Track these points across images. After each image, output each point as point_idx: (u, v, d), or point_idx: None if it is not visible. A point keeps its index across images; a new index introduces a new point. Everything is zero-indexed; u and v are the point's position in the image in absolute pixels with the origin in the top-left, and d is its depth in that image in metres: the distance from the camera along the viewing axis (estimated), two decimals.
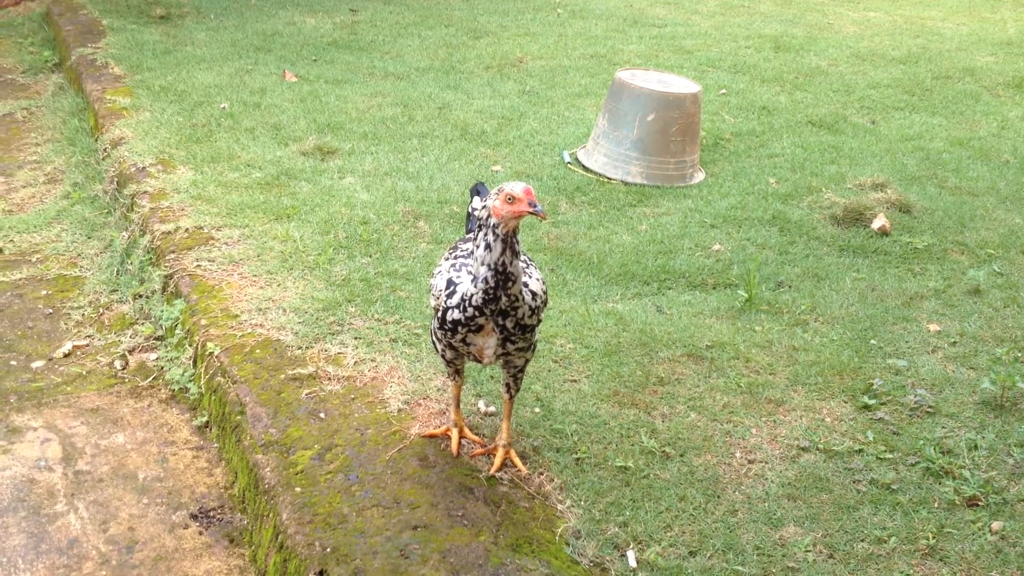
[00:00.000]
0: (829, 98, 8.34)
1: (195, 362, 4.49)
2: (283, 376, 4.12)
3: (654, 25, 10.64)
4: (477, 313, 3.17)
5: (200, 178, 5.99)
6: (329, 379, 4.10)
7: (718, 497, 3.58)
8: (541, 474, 3.61)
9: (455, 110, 7.51)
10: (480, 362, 3.38)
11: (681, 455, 3.78)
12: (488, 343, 3.27)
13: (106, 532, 3.64)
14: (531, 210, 3.02)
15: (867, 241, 5.71)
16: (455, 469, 3.59)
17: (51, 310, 5.12)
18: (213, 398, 4.23)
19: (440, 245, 5.33)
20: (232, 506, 3.80)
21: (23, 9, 10.72)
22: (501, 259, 3.08)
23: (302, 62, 8.60)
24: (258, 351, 4.30)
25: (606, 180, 6.46)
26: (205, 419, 4.26)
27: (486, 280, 3.11)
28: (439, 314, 3.29)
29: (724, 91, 8.30)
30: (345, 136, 6.87)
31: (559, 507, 3.46)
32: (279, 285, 4.82)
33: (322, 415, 3.88)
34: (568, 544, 3.30)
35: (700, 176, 6.64)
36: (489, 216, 3.08)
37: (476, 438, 3.74)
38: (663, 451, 3.78)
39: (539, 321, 3.31)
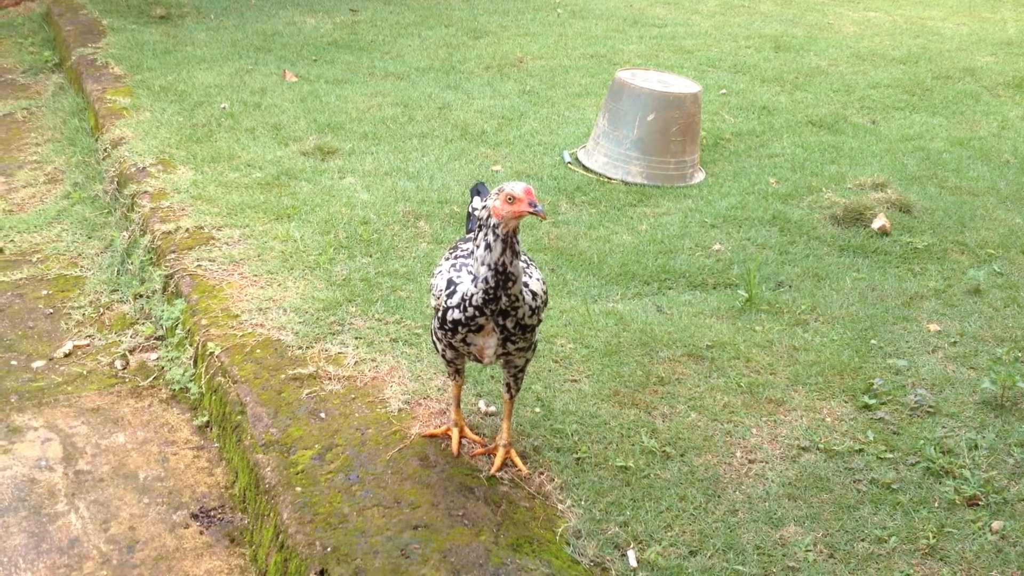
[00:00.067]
0: (829, 98, 8.34)
1: (196, 362, 4.49)
2: (284, 376, 4.12)
3: (654, 25, 10.64)
4: (477, 313, 3.17)
5: (200, 178, 5.99)
6: (330, 379, 4.10)
7: (718, 497, 3.58)
8: (542, 474, 3.61)
9: (455, 110, 7.51)
10: (480, 362, 3.38)
11: (681, 455, 3.78)
12: (488, 343, 3.27)
13: (107, 532, 3.64)
14: (531, 210, 3.02)
15: (867, 241, 5.72)
16: (455, 469, 3.59)
17: (52, 310, 5.12)
18: (214, 398, 4.23)
19: (440, 245, 5.33)
20: (233, 506, 3.80)
21: (23, 9, 10.72)
22: (501, 259, 3.08)
23: (302, 62, 8.60)
24: (259, 351, 4.30)
25: (606, 180, 6.46)
26: (206, 419, 4.27)
27: (486, 280, 3.11)
28: (439, 314, 3.29)
29: (724, 91, 8.30)
30: (345, 136, 6.87)
31: (560, 507, 3.46)
32: (279, 285, 4.82)
33: (323, 415, 3.88)
34: (569, 544, 3.31)
35: (700, 176, 6.65)
36: (489, 216, 3.08)
37: (476, 438, 3.74)
38: (663, 451, 3.78)
39: (539, 321, 3.31)
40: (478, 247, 3.13)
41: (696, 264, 5.35)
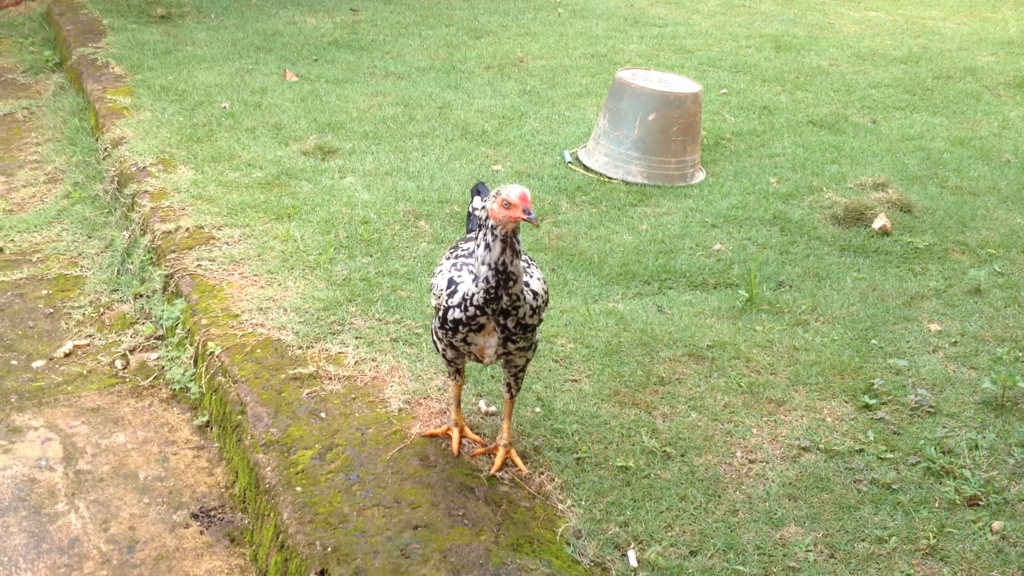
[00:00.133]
0: (830, 98, 8.34)
1: (196, 362, 4.49)
2: (284, 376, 4.12)
3: (655, 25, 10.64)
4: (478, 313, 3.17)
5: (201, 178, 5.99)
6: (330, 379, 4.10)
7: (719, 497, 3.57)
8: (542, 474, 3.61)
9: (456, 110, 7.51)
10: (481, 362, 3.38)
11: (682, 455, 3.78)
12: (489, 343, 3.27)
13: (107, 531, 3.64)
14: (524, 217, 3.02)
15: (868, 241, 5.71)
16: (456, 469, 3.59)
17: (52, 309, 5.12)
18: (214, 398, 4.23)
19: (441, 245, 5.33)
20: (233, 506, 3.80)
21: (24, 9, 10.72)
22: (501, 258, 3.08)
23: (303, 62, 8.60)
24: (259, 351, 4.30)
25: (607, 180, 6.46)
26: (206, 419, 4.26)
27: (487, 280, 3.11)
28: (440, 313, 3.29)
29: (725, 91, 8.30)
30: (346, 136, 6.87)
31: (560, 507, 3.46)
32: (280, 285, 4.82)
33: (323, 415, 3.88)
34: (569, 544, 3.30)
35: (701, 176, 6.64)
36: (488, 217, 3.08)
37: (477, 438, 3.74)
38: (664, 451, 3.78)
39: (540, 320, 3.31)
40: (478, 247, 3.13)
41: (697, 264, 5.34)
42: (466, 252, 3.34)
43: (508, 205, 3.02)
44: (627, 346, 4.46)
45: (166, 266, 5.06)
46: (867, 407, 4.15)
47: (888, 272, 5.39)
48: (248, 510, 3.71)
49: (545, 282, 3.36)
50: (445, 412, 3.89)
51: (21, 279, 5.38)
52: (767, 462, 3.78)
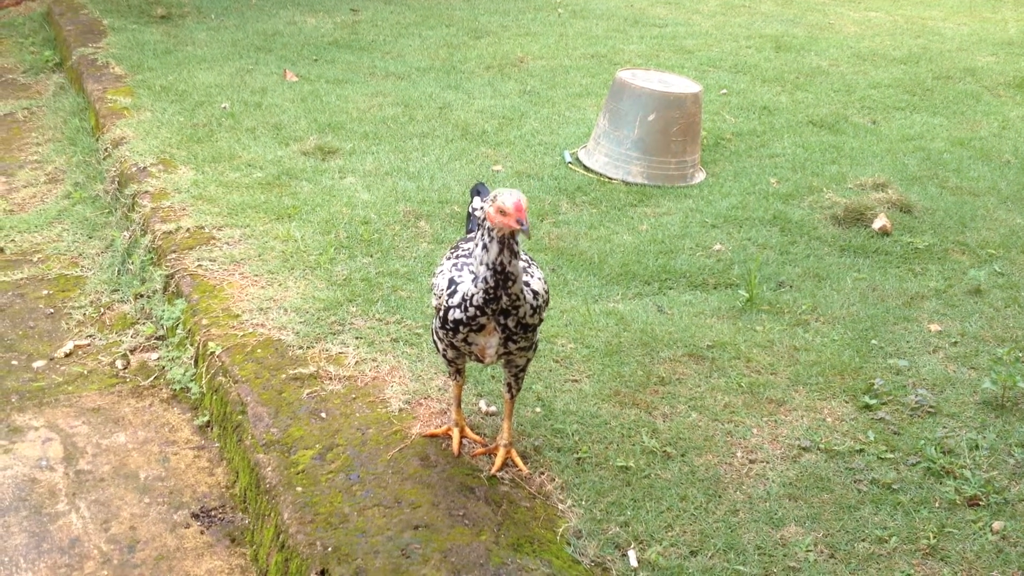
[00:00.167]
0: (830, 98, 8.34)
1: (196, 362, 4.49)
2: (284, 376, 4.12)
3: (655, 25, 10.64)
4: (478, 313, 3.17)
5: (201, 178, 5.99)
6: (330, 379, 4.10)
7: (719, 497, 3.58)
8: (542, 474, 3.61)
9: (456, 110, 7.51)
10: (482, 362, 3.38)
11: (682, 455, 3.78)
12: (490, 342, 3.27)
13: (108, 531, 3.64)
14: (518, 228, 3.01)
15: (868, 241, 5.71)
16: (456, 469, 3.59)
17: (52, 310, 5.13)
18: (214, 398, 4.23)
19: (441, 245, 5.33)
20: (233, 506, 3.80)
21: (24, 9, 10.72)
22: (499, 259, 3.08)
23: (303, 62, 8.60)
24: (259, 351, 4.30)
25: (607, 180, 6.46)
26: (206, 419, 4.27)
27: (485, 280, 3.12)
28: (441, 313, 3.29)
29: (725, 91, 8.30)
30: (346, 136, 6.87)
31: (560, 507, 3.46)
32: (280, 285, 4.82)
33: (323, 415, 3.88)
34: (569, 544, 3.31)
35: (701, 176, 6.65)
36: (485, 219, 3.09)
37: (477, 438, 3.74)
38: (664, 451, 3.78)
39: (541, 320, 3.31)
40: (477, 247, 3.14)
41: (697, 264, 5.35)
42: (466, 252, 3.34)
43: (503, 212, 3.01)
44: (627, 346, 4.47)
45: (167, 266, 5.07)
46: (867, 407, 4.15)
47: (888, 272, 5.40)
48: (249, 510, 3.71)
49: (545, 282, 3.36)
50: (445, 412, 3.90)
51: (22, 279, 5.38)
52: (767, 462, 3.78)
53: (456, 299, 3.22)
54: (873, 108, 8.16)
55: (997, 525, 3.50)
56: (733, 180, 6.54)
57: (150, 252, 5.32)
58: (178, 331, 4.70)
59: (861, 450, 3.87)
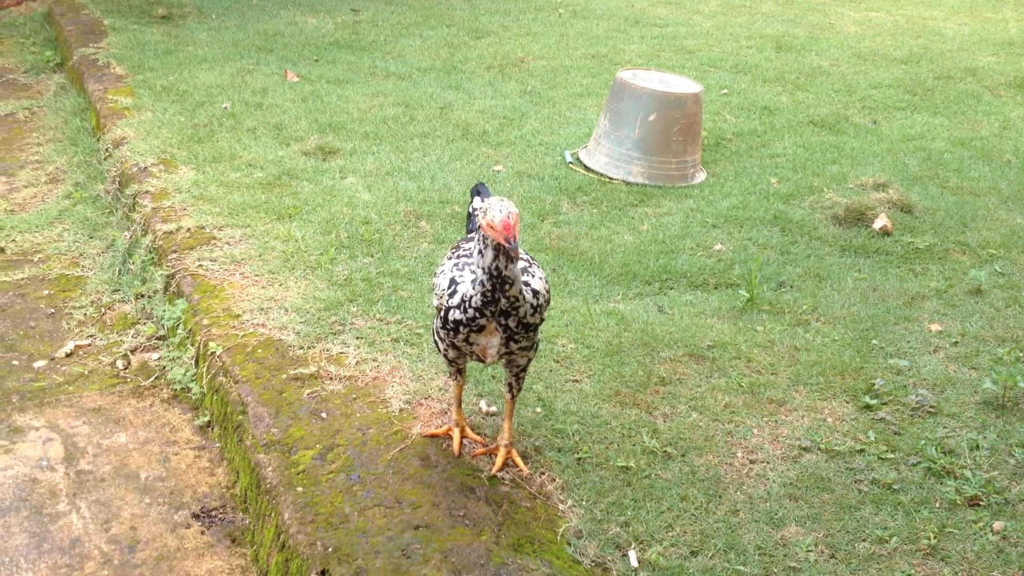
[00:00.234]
0: (831, 98, 8.34)
1: (197, 362, 4.49)
2: (285, 376, 4.12)
3: (655, 25, 10.64)
4: (477, 315, 3.17)
5: (202, 178, 5.99)
6: (331, 379, 4.11)
7: (720, 497, 3.58)
8: (543, 474, 3.61)
9: (456, 110, 7.51)
10: (483, 362, 3.38)
11: (683, 455, 3.78)
12: (491, 342, 3.27)
13: (108, 532, 3.64)
14: (505, 245, 2.99)
15: (869, 241, 5.71)
16: (457, 469, 3.59)
17: (53, 310, 5.13)
18: (215, 398, 4.23)
19: (442, 245, 5.33)
20: (234, 506, 3.81)
21: (25, 9, 10.73)
22: (494, 264, 3.08)
23: (304, 62, 8.61)
24: (260, 351, 4.30)
25: (608, 180, 6.46)
26: (207, 419, 4.27)
27: (483, 283, 3.12)
28: (442, 314, 3.29)
29: (725, 91, 8.30)
30: (347, 136, 6.88)
31: (561, 507, 3.46)
32: (281, 285, 4.82)
33: (324, 415, 3.88)
34: (570, 544, 3.31)
35: (701, 176, 6.65)
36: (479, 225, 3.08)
37: (478, 438, 3.74)
38: (665, 451, 3.78)
39: (542, 319, 3.31)
40: (475, 251, 3.15)
41: (697, 264, 5.35)
42: (467, 252, 3.34)
43: (492, 228, 3.00)
44: (628, 346, 4.47)
45: (167, 266, 5.07)
46: (868, 407, 4.15)
47: (889, 272, 5.40)
48: (249, 510, 3.71)
49: (546, 281, 3.36)
50: (446, 412, 3.90)
51: (22, 279, 5.38)
52: (768, 462, 3.78)
53: (456, 299, 3.22)
54: (874, 108, 8.16)
55: (998, 525, 3.50)
56: (734, 180, 6.54)
57: (151, 252, 5.32)
58: (179, 331, 4.70)
59: (862, 450, 3.87)
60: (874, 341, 4.66)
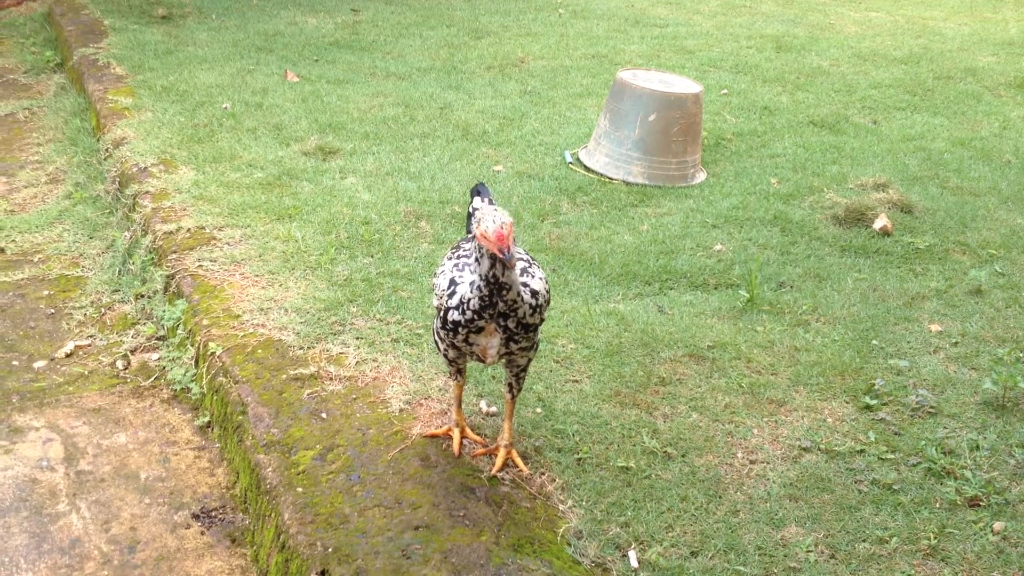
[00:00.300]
0: (831, 98, 8.34)
1: (197, 362, 4.49)
2: (285, 376, 4.12)
3: (656, 25, 10.64)
4: (476, 316, 3.17)
5: (202, 178, 5.99)
6: (331, 379, 4.11)
7: (720, 497, 3.58)
8: (543, 474, 3.61)
9: (457, 110, 7.51)
10: (483, 362, 3.38)
11: (683, 455, 3.78)
12: (491, 343, 3.27)
13: (108, 532, 3.64)
14: (499, 256, 2.98)
15: (869, 241, 5.71)
16: (457, 469, 3.59)
17: (53, 310, 5.13)
18: (215, 398, 4.23)
19: (442, 245, 5.33)
20: (234, 506, 3.80)
21: (25, 9, 10.73)
22: (491, 272, 3.08)
23: (304, 62, 8.61)
24: (260, 351, 4.30)
25: (607, 180, 6.46)
26: (207, 419, 4.27)
27: (480, 288, 3.12)
28: (441, 314, 3.29)
29: (726, 91, 8.30)
30: (347, 136, 6.88)
31: (561, 507, 3.46)
32: (281, 285, 4.82)
33: (324, 415, 3.88)
34: (570, 544, 3.31)
35: (702, 176, 6.64)
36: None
37: (478, 438, 3.74)
38: (665, 451, 3.78)
39: (542, 320, 3.31)
40: (472, 256, 3.15)
41: (697, 264, 5.35)
42: (467, 252, 3.34)
43: (486, 238, 2.99)
44: (628, 346, 4.47)
45: (167, 266, 5.07)
46: (868, 408, 4.15)
47: (889, 273, 5.40)
48: (249, 511, 3.71)
49: (546, 281, 3.36)
50: (446, 413, 3.90)
51: (22, 279, 5.38)
52: (768, 462, 3.78)
53: (455, 300, 3.22)
54: (874, 108, 8.16)
55: (998, 526, 3.50)
56: (734, 180, 6.54)
57: (151, 252, 5.32)
58: (179, 331, 4.70)
59: (862, 451, 3.87)
60: (874, 341, 4.66)
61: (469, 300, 3.16)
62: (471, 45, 9.46)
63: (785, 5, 12.13)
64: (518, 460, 3.62)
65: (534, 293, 3.24)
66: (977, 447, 3.91)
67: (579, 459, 3.70)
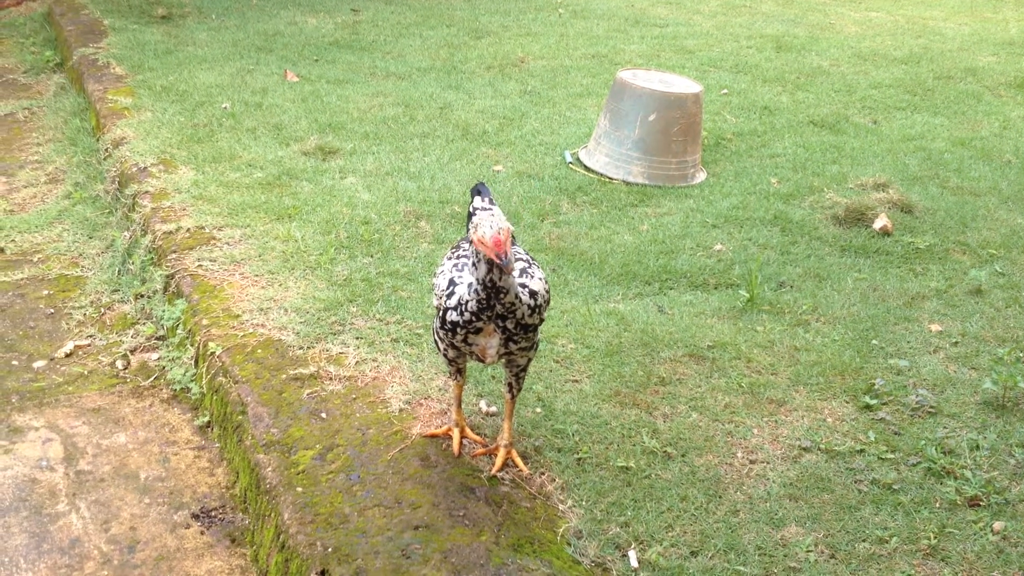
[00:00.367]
0: (831, 98, 8.34)
1: (197, 362, 4.49)
2: (284, 376, 4.12)
3: (656, 25, 10.64)
4: (474, 318, 3.17)
5: (202, 178, 5.99)
6: (330, 379, 4.10)
7: (720, 497, 3.57)
8: (543, 474, 3.61)
9: (456, 110, 7.51)
10: (483, 362, 3.38)
11: (683, 455, 3.77)
12: (491, 343, 3.27)
13: (108, 532, 3.64)
14: (497, 261, 2.98)
15: (869, 241, 5.71)
16: (456, 469, 3.59)
17: (53, 310, 5.13)
18: (215, 398, 4.23)
19: (442, 245, 5.33)
20: (234, 506, 3.80)
21: (25, 9, 10.73)
22: (488, 276, 3.08)
23: (304, 62, 8.60)
24: (259, 351, 4.30)
25: (608, 180, 6.46)
26: (207, 419, 4.26)
27: (477, 292, 3.12)
28: (440, 314, 3.29)
29: (726, 91, 8.30)
30: (347, 136, 6.88)
31: (561, 507, 3.46)
32: (280, 285, 4.82)
33: (323, 415, 3.88)
34: (570, 544, 3.30)
35: (702, 176, 6.64)
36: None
37: (478, 438, 3.74)
38: (665, 451, 3.78)
39: (541, 320, 3.31)
40: (470, 260, 3.14)
41: (697, 264, 5.34)
42: (467, 252, 3.34)
43: (483, 244, 2.98)
44: (628, 346, 4.46)
45: (167, 266, 5.07)
46: (868, 407, 4.15)
47: (889, 272, 5.39)
48: (249, 510, 3.71)
49: (546, 281, 3.36)
50: (446, 412, 3.90)
51: (22, 279, 5.38)
52: (768, 462, 3.78)
53: (453, 301, 3.22)
54: (874, 108, 8.16)
55: (998, 525, 3.49)
56: (734, 180, 6.54)
57: (150, 252, 5.32)
58: (178, 331, 4.70)
59: (862, 450, 3.87)
60: (874, 341, 4.66)
61: (467, 302, 3.16)
62: (471, 45, 9.46)
63: (785, 5, 12.13)
64: (518, 460, 3.62)
65: (533, 294, 3.23)
66: (977, 447, 3.90)
67: (579, 459, 3.70)
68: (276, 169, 6.20)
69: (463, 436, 3.72)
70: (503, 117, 7.40)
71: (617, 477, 3.62)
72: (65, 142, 7.17)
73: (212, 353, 4.34)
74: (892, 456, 3.84)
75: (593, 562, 3.25)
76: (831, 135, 7.46)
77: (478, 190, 3.74)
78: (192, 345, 4.53)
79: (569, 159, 6.69)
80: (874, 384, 4.28)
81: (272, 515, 3.46)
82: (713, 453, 3.80)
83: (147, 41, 8.82)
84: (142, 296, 5.12)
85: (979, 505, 3.60)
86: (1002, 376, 4.16)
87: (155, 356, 4.73)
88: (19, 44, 9.61)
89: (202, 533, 3.67)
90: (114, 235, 5.75)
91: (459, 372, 3.57)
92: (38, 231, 5.89)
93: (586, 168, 6.60)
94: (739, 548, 3.34)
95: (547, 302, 3.33)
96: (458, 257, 3.36)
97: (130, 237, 5.58)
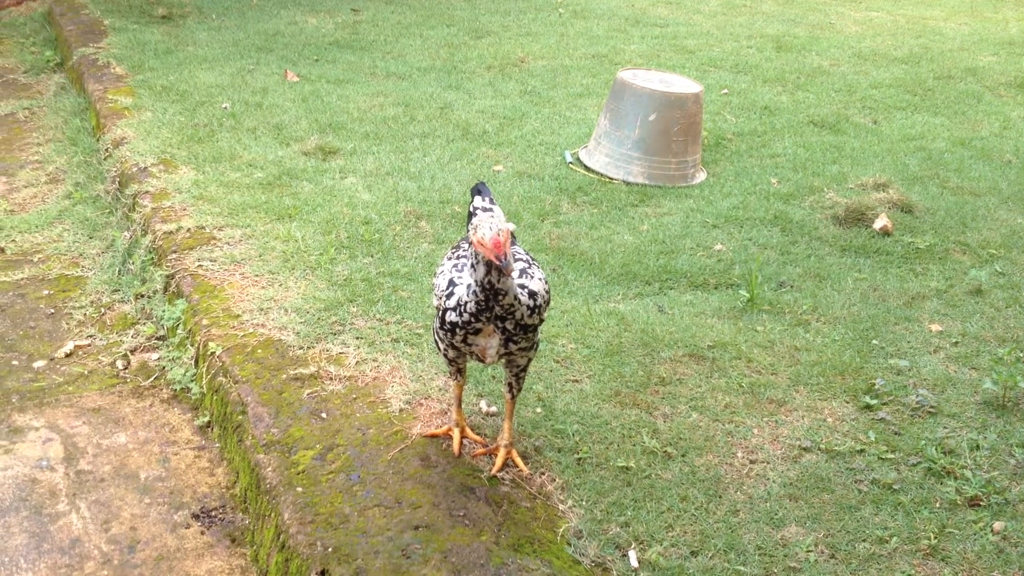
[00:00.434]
0: (831, 98, 8.34)
1: (197, 362, 4.49)
2: (285, 376, 4.12)
3: (656, 25, 10.63)
4: (473, 319, 3.17)
5: (202, 178, 5.99)
6: (331, 379, 4.10)
7: (720, 497, 3.57)
8: (543, 474, 3.61)
9: (457, 110, 7.51)
10: (483, 362, 3.38)
11: (683, 455, 3.78)
12: (491, 343, 3.27)
13: (108, 532, 3.64)
14: (496, 263, 2.97)
15: (869, 241, 5.71)
16: (457, 469, 3.59)
17: (53, 310, 5.13)
18: (215, 398, 4.23)
19: (442, 245, 5.33)
20: (234, 506, 3.80)
21: (25, 9, 10.73)
22: (487, 278, 3.08)
23: (304, 62, 8.60)
24: (260, 351, 4.30)
25: (608, 180, 6.46)
26: (207, 419, 4.27)
27: (475, 293, 3.12)
28: (440, 314, 3.29)
29: (726, 91, 8.30)
30: (347, 136, 6.88)
31: (561, 507, 3.46)
32: (281, 285, 4.82)
33: (324, 415, 3.88)
34: (570, 544, 3.30)
35: (702, 176, 6.64)
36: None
37: (478, 438, 3.74)
38: (665, 451, 3.78)
39: (541, 320, 3.31)
40: (468, 262, 3.14)
41: (698, 264, 5.34)
42: (467, 253, 3.34)
43: (483, 247, 2.98)
44: (628, 346, 4.47)
45: (167, 266, 5.07)
46: (868, 407, 4.15)
47: (889, 272, 5.39)
48: (249, 510, 3.71)
49: (546, 281, 3.36)
50: (446, 412, 3.90)
51: (22, 279, 5.38)
52: (768, 462, 3.78)
53: (452, 301, 3.22)
54: (874, 108, 8.16)
55: (998, 525, 3.49)
56: (734, 180, 6.54)
57: (151, 252, 5.32)
58: (178, 331, 4.70)
59: (862, 450, 3.87)
60: (874, 341, 4.66)
61: (466, 303, 3.16)
62: (471, 45, 9.46)
63: (785, 5, 12.13)
64: (518, 460, 3.62)
65: (532, 294, 3.23)
66: (977, 447, 3.91)
67: (579, 459, 3.70)
68: (276, 169, 6.20)
69: (463, 436, 3.72)
70: (503, 117, 7.40)
71: (617, 477, 3.62)
72: (65, 142, 7.17)
73: (212, 353, 4.34)
74: (892, 456, 3.84)
75: (593, 562, 3.25)
76: (831, 135, 7.47)
77: (478, 190, 3.74)
78: (192, 345, 4.53)
79: (569, 159, 6.69)
80: (874, 384, 4.28)
81: (272, 515, 3.46)
82: (713, 453, 3.80)
83: (147, 41, 8.82)
84: (142, 296, 5.12)
85: (979, 505, 3.60)
86: (1002, 376, 4.17)
87: (155, 356, 4.73)
88: (19, 44, 9.60)
89: (202, 533, 3.67)
90: (114, 235, 5.75)
91: (459, 372, 3.57)
92: (38, 231, 5.89)
93: (586, 168, 6.60)
94: (739, 548, 3.34)
95: (547, 302, 3.33)
96: (458, 257, 3.36)
97: (130, 237, 5.58)
